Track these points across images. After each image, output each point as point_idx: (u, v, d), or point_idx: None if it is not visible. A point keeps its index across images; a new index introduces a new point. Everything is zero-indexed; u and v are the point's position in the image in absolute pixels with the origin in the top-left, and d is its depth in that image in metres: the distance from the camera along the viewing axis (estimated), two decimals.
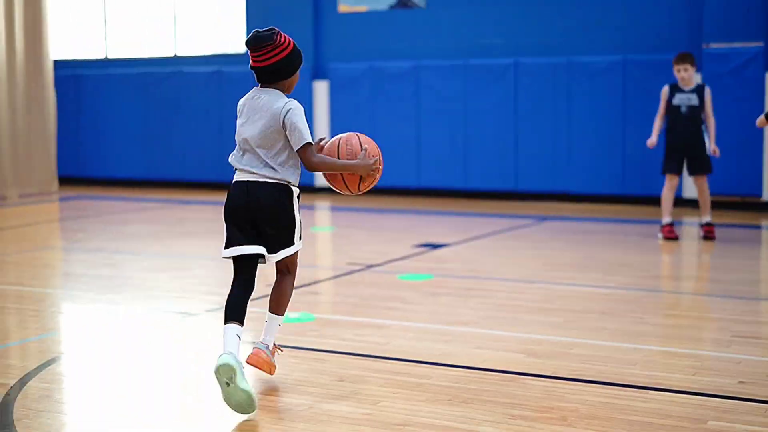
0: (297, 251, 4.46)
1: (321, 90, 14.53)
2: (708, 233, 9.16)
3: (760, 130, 11.93)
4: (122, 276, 7.46)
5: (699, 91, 9.21)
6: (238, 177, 4.35)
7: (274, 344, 4.56)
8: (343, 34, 14.57)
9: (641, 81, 12.41)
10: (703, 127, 9.20)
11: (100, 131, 16.24)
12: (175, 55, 15.87)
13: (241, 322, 4.19)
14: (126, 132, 15.99)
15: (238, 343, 4.12)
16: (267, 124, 4.26)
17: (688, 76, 9.19)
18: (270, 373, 4.48)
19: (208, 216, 11.73)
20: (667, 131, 9.38)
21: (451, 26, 13.82)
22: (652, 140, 9.27)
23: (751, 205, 11.99)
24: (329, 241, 9.67)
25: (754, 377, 4.60)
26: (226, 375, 3.98)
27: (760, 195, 11.91)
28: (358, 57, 14.33)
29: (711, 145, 9.12)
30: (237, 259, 4.34)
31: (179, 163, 15.59)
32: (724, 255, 8.42)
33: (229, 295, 4.28)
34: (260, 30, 4.31)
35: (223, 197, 4.53)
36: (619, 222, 11.04)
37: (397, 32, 14.16)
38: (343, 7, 14.51)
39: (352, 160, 4.38)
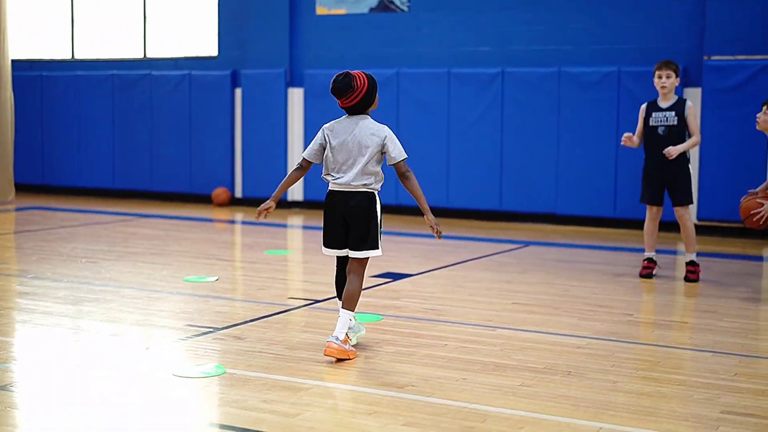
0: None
1: (296, 98, 13.59)
2: (689, 274, 7.98)
3: (764, 149, 10.93)
4: (27, 309, 6.49)
5: (678, 107, 7.90)
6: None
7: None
8: (320, 38, 13.61)
9: (638, 95, 11.43)
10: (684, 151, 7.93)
11: (64, 136, 15.30)
12: (145, 57, 14.93)
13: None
14: (92, 138, 15.06)
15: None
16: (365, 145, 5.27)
17: (670, 84, 7.87)
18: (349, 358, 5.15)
19: (158, 233, 10.77)
20: (645, 155, 8.13)
21: (434, 32, 12.87)
22: (630, 138, 8.00)
23: (753, 231, 10.98)
24: (278, 268, 8.67)
25: None
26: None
27: None
28: (336, 63, 13.36)
29: (678, 148, 7.75)
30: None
31: (147, 173, 14.66)
32: (722, 294, 7.42)
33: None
34: (338, 77, 5.21)
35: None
36: (610, 250, 10.06)
37: (377, 37, 13.21)
38: (321, 10, 13.55)
39: None
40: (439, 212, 12.58)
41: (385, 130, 5.33)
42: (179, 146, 14.34)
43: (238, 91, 13.97)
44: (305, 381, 4.82)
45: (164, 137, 14.48)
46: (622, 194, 11.58)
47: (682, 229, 8.07)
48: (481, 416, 4.30)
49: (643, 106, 8.11)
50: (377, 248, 5.35)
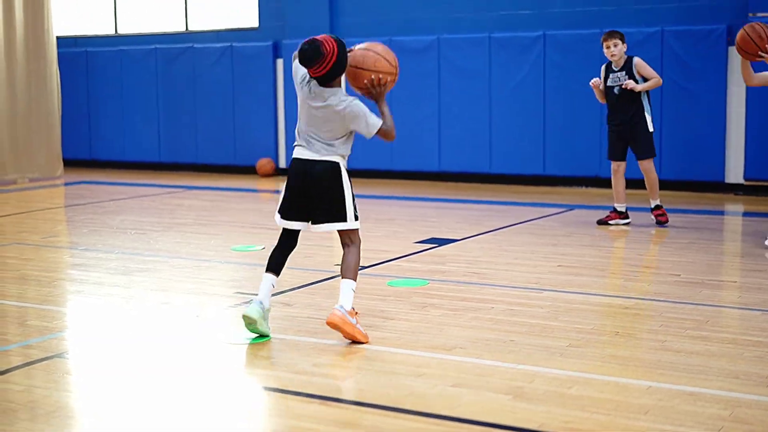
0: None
1: None
2: (660, 217, 8.67)
3: None
4: (79, 280, 6.63)
5: (627, 67, 8.51)
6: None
7: (352, 308, 4.85)
8: (359, 6, 13.59)
9: (681, 54, 11.29)
10: (644, 105, 8.51)
11: (110, 112, 15.47)
12: (187, 30, 15.02)
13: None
14: (137, 112, 15.21)
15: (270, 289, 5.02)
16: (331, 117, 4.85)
17: (618, 51, 8.47)
18: (352, 335, 4.78)
19: (204, 204, 10.89)
20: (606, 114, 8.81)
21: None
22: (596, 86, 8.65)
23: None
24: (324, 236, 8.72)
25: None
26: (247, 322, 4.89)
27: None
28: (376, 31, 13.33)
29: (639, 87, 8.40)
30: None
31: (192, 146, 14.78)
32: (757, 252, 7.36)
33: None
34: (305, 44, 4.73)
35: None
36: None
37: (416, 4, 13.15)
38: None
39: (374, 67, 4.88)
40: (482, 178, 12.59)
41: (355, 105, 4.85)
42: (223, 118, 14.44)
43: (280, 62, 14.01)
44: (354, 345, 4.87)
45: (208, 110, 14.58)
46: (667, 155, 11.46)
47: (648, 180, 8.66)
48: (529, 377, 4.33)
49: (603, 67, 8.72)
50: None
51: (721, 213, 9.84)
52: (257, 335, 4.98)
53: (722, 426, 3.68)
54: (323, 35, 4.85)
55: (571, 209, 10.13)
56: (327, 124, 4.89)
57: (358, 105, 4.87)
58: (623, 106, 8.55)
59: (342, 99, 4.86)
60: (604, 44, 8.55)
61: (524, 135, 12.29)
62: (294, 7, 13.85)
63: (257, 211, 10.61)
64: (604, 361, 4.56)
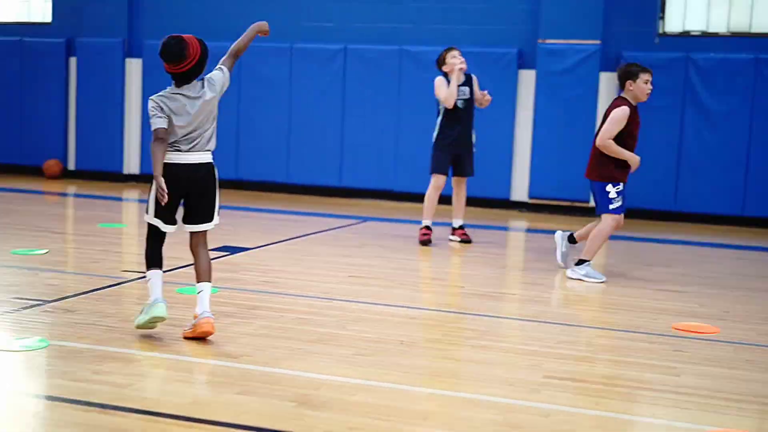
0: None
1: (134, 69, 13.27)
2: (464, 236, 8.82)
3: (591, 132, 11.42)
4: None
5: (469, 82, 8.67)
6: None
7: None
8: (160, 8, 13.33)
9: (475, 75, 11.72)
10: (473, 124, 8.72)
11: None
12: None
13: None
14: None
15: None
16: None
17: (464, 63, 8.60)
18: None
19: None
20: (440, 128, 8.72)
21: (278, 6, 12.81)
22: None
23: (580, 209, 11.46)
24: (112, 241, 8.48)
25: None
26: (157, 321, 5.02)
27: (587, 200, 11.43)
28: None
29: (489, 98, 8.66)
30: None
31: None
32: (548, 268, 7.74)
33: None
34: (170, 41, 4.83)
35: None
36: (446, 226, 10.28)
37: (219, 9, 13.04)
38: None
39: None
40: (279, 188, 12.60)
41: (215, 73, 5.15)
42: (9, 115, 13.78)
43: (73, 60, 13.52)
44: (139, 352, 4.76)
45: None
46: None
47: (460, 198, 8.83)
48: (315, 384, 4.36)
49: (443, 79, 8.64)
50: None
51: (506, 229, 10.26)
52: (38, 343, 4.78)
53: (495, 430, 3.84)
54: (188, 36, 4.95)
55: (365, 221, 10.30)
56: (206, 112, 5.05)
57: (217, 72, 5.12)
58: (463, 121, 8.60)
59: (204, 81, 5.04)
60: (449, 54, 8.58)
61: (322, 146, 12.41)
62: (91, 5, 13.41)
63: (41, 213, 10.17)
64: (388, 369, 4.66)
